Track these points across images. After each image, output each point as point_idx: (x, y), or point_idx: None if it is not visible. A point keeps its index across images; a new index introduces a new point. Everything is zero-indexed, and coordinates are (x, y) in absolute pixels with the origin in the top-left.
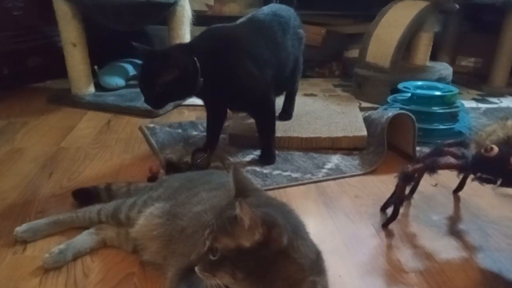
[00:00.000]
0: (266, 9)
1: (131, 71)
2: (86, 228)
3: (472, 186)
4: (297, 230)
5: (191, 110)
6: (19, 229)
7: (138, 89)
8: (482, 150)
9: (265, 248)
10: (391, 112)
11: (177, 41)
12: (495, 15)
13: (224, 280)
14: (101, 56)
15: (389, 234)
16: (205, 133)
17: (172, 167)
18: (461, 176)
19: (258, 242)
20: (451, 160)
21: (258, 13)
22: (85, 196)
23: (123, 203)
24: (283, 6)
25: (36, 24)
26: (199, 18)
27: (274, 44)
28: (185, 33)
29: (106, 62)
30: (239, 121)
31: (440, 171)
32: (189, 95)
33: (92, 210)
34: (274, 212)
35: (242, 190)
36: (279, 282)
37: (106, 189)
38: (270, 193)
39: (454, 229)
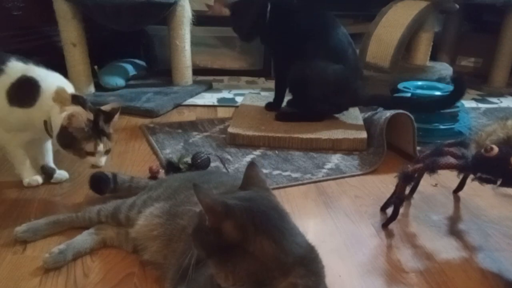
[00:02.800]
0: None
1: (131, 71)
2: (86, 228)
3: (472, 186)
4: (269, 231)
5: (191, 110)
6: (19, 229)
7: (138, 89)
8: (482, 150)
9: (219, 236)
10: (389, 113)
11: (177, 41)
12: (495, 15)
13: (198, 252)
14: (101, 56)
15: (389, 234)
16: (205, 133)
17: (172, 167)
18: (461, 176)
19: (209, 227)
20: (451, 160)
21: None
22: (99, 183)
23: (122, 203)
24: None
25: (36, 24)
26: (199, 18)
27: None
28: (185, 33)
29: (106, 62)
30: (239, 120)
31: (440, 171)
32: None
33: (92, 210)
34: (244, 207)
35: (246, 185)
36: (242, 275)
37: (113, 177)
38: None
39: (454, 229)
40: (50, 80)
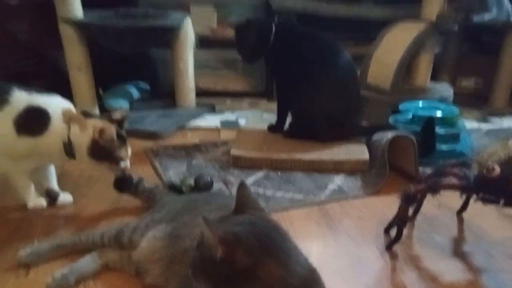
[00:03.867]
0: None
1: (135, 93)
2: (89, 251)
3: (475, 207)
4: (274, 253)
5: (194, 132)
6: (22, 252)
7: (142, 112)
8: (484, 171)
9: (229, 266)
10: (390, 134)
11: (181, 64)
12: (494, 36)
13: (201, 286)
14: (105, 79)
15: (393, 256)
16: (208, 155)
17: (174, 189)
18: (464, 197)
19: (220, 259)
20: (454, 180)
21: None
22: (124, 184)
23: (125, 226)
24: None
25: (41, 48)
26: (202, 42)
27: None
28: (188, 56)
29: (111, 85)
30: (241, 142)
31: (442, 192)
32: None
33: (95, 233)
34: (248, 233)
35: (240, 207)
36: None
37: (137, 182)
38: (273, 215)
39: (458, 251)
40: (55, 104)
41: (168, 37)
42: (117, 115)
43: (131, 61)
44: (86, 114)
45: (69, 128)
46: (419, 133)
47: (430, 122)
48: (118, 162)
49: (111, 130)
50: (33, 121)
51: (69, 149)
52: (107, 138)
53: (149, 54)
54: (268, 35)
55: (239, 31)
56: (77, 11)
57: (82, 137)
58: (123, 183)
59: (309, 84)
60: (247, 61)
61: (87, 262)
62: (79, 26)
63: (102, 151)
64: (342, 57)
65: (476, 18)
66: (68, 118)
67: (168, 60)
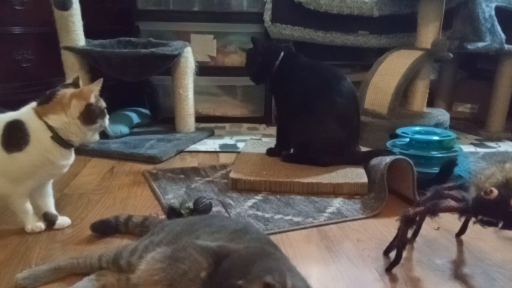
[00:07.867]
0: None
1: (135, 119)
2: (87, 274)
3: (474, 229)
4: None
5: (194, 156)
6: (20, 275)
7: (141, 137)
8: (482, 193)
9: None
10: (389, 158)
11: (181, 91)
12: (488, 63)
13: None
14: (106, 105)
15: (393, 279)
16: (207, 179)
17: (173, 213)
18: (462, 219)
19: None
20: (452, 203)
21: None
22: (104, 228)
23: (124, 249)
24: None
25: (43, 75)
26: (202, 69)
27: None
28: (188, 82)
29: (112, 110)
30: (241, 166)
31: (441, 215)
32: None
33: (93, 256)
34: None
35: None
36: None
37: (125, 222)
38: (272, 237)
39: (458, 273)
40: (24, 110)
41: (169, 64)
42: (69, 81)
43: (132, 87)
44: (52, 93)
45: (44, 122)
46: (437, 172)
47: (450, 163)
48: (105, 114)
49: (95, 88)
50: (16, 135)
51: (58, 138)
52: (98, 97)
53: (150, 80)
54: (273, 61)
55: (249, 51)
56: (80, 39)
57: (71, 113)
58: (103, 226)
59: (310, 112)
60: (252, 81)
61: (85, 286)
62: (83, 53)
63: (95, 111)
64: (343, 85)
65: (470, 46)
66: (37, 113)
67: (169, 86)
